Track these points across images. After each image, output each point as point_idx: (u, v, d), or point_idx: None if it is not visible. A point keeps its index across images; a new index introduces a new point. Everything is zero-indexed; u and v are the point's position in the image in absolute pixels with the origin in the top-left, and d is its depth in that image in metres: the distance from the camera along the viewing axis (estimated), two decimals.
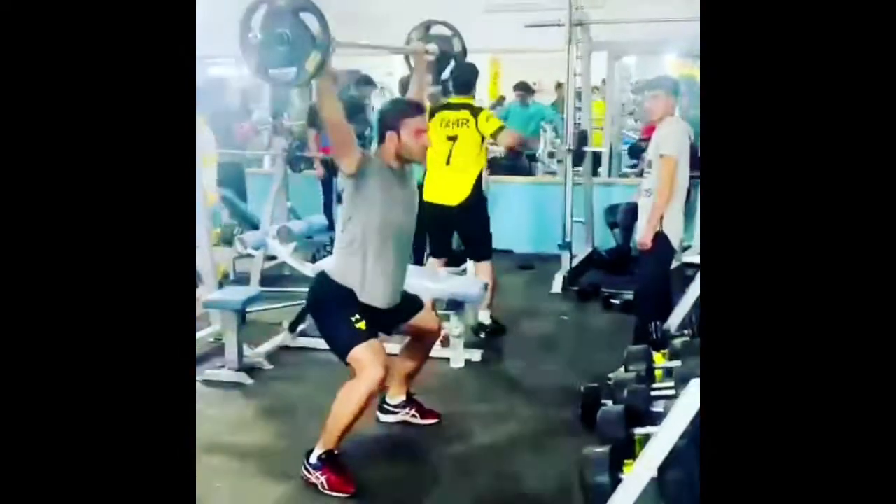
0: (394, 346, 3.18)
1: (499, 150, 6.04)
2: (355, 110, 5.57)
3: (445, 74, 3.51)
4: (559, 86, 7.81)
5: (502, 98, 8.62)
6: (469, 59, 6.30)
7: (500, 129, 4.20)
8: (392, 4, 6.55)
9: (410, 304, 3.01)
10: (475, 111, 4.18)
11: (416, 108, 2.81)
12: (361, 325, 2.67)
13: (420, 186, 4.33)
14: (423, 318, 3.04)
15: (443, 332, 3.94)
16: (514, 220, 6.17)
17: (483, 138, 4.14)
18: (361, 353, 2.63)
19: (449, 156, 4.13)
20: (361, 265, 2.73)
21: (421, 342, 3.10)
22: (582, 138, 5.59)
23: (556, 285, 5.41)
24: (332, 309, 2.76)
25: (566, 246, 5.54)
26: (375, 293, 2.76)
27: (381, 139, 2.78)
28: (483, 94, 7.98)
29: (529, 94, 7.62)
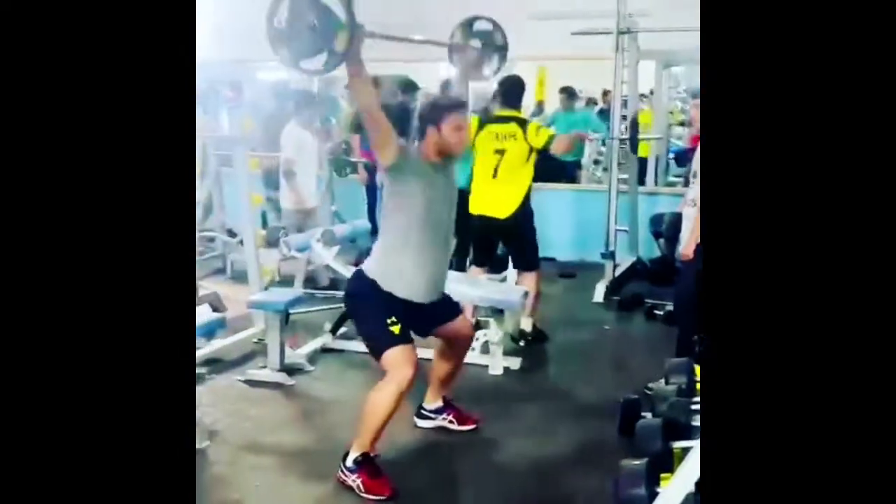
0: (427, 351, 3.20)
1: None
2: (401, 115, 5.62)
3: (488, 74, 3.50)
4: (606, 94, 7.77)
5: (541, 103, 8.58)
6: (515, 65, 6.31)
7: (552, 138, 4.18)
8: (437, 11, 6.60)
9: (448, 308, 3.02)
10: (523, 123, 4.18)
11: (456, 104, 2.83)
12: (396, 328, 2.69)
13: (463, 193, 4.36)
14: (458, 324, 3.05)
15: (482, 339, 3.98)
16: (556, 228, 6.16)
17: (531, 150, 4.13)
18: (393, 355, 2.67)
19: (496, 169, 4.15)
20: (401, 259, 2.74)
21: (454, 347, 3.10)
22: (634, 125, 5.54)
23: (599, 294, 5.38)
24: (369, 309, 2.78)
25: (609, 255, 5.51)
26: (414, 287, 2.76)
27: (422, 134, 2.79)
28: (529, 101, 7.98)
29: (574, 100, 7.58)
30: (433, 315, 2.93)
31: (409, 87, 5.46)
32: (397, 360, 2.66)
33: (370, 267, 2.82)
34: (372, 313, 2.75)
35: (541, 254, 4.45)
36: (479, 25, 3.39)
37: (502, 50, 3.43)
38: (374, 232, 4.75)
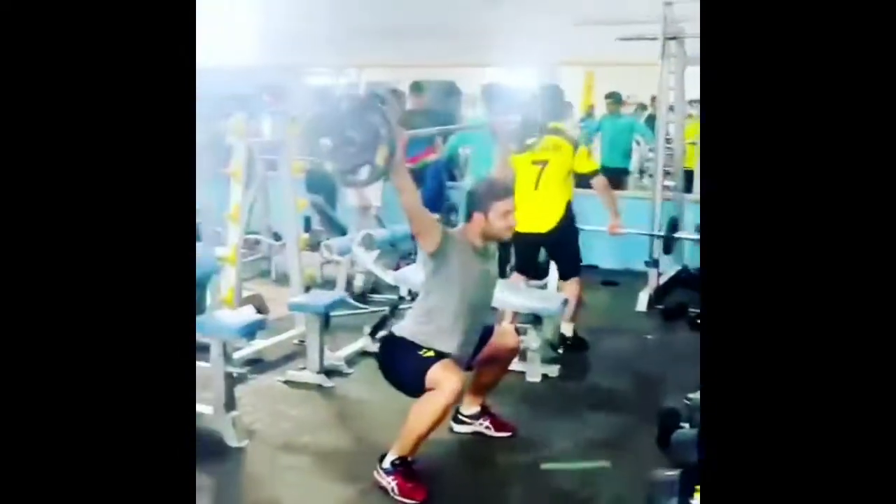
0: None
1: None
2: (446, 121, 5.67)
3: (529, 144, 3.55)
4: (653, 100, 7.71)
5: (591, 107, 8.52)
6: (560, 71, 6.30)
7: (596, 172, 4.23)
8: (487, 19, 6.64)
9: (481, 337, 3.04)
10: (572, 141, 4.19)
11: (505, 191, 2.88)
12: (430, 353, 2.74)
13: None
14: (499, 340, 3.09)
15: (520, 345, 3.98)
16: (600, 235, 6.12)
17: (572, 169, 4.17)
18: (436, 372, 2.67)
19: (537, 181, 4.15)
20: (435, 336, 2.79)
21: (498, 360, 3.15)
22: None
23: (642, 303, 5.33)
24: (401, 357, 2.83)
25: (653, 263, 5.45)
26: (448, 347, 2.81)
27: (468, 218, 2.86)
28: (575, 107, 7.94)
29: (620, 105, 7.52)
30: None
31: (452, 91, 5.52)
32: (442, 374, 2.67)
33: (404, 328, 2.88)
34: (404, 358, 2.81)
35: (584, 261, 4.45)
36: (518, 98, 3.47)
37: (541, 130, 3.52)
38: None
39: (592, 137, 7.27)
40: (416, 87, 6.03)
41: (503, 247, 4.27)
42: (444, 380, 2.65)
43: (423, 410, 2.68)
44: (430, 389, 2.67)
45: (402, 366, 2.81)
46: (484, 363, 3.15)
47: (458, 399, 2.73)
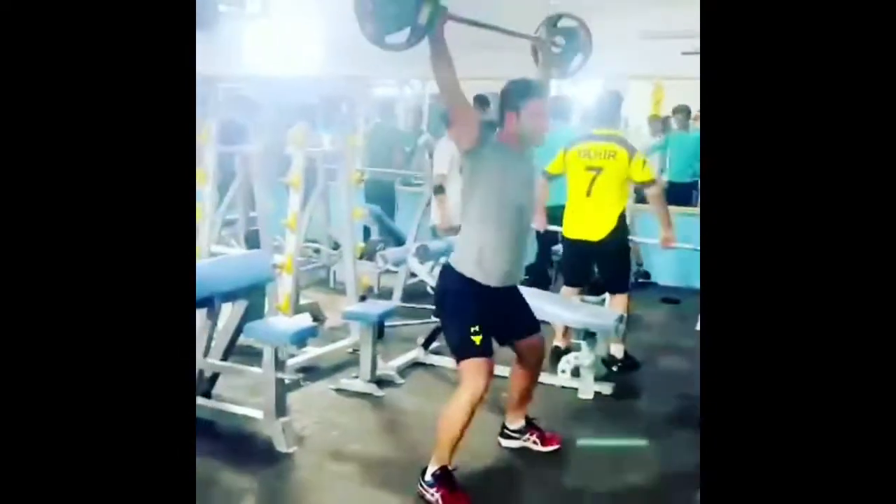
0: (504, 368, 3.20)
1: None
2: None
3: (571, 71, 3.50)
4: None
5: (666, 120, 8.34)
6: (625, 84, 6.23)
7: (652, 182, 4.13)
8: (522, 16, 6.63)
9: (530, 323, 3.04)
10: (629, 148, 4.10)
11: (536, 90, 2.82)
12: (478, 339, 2.72)
13: (556, 214, 4.35)
14: (533, 338, 3.06)
15: (573, 362, 3.95)
16: (660, 251, 6.03)
17: (627, 178, 4.10)
18: (470, 366, 2.71)
19: (590, 188, 4.09)
20: (480, 243, 2.76)
21: (525, 361, 3.11)
22: None
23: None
24: (455, 310, 2.81)
25: None
26: (493, 271, 2.78)
27: (501, 120, 2.81)
28: (642, 121, 7.84)
29: (689, 119, 7.38)
30: (514, 322, 2.97)
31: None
32: (474, 371, 2.70)
33: (454, 257, 2.86)
34: (458, 317, 2.79)
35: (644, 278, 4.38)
36: (565, 23, 3.41)
37: (586, 49, 3.43)
38: None
39: (657, 151, 7.16)
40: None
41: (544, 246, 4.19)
42: (471, 378, 2.69)
43: (451, 414, 2.71)
44: (458, 372, 2.74)
45: (452, 320, 2.82)
46: (515, 370, 3.15)
47: (483, 398, 2.72)
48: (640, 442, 2.99)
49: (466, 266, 2.79)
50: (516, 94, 2.77)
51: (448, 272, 2.86)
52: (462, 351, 2.74)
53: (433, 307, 3.07)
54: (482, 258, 2.77)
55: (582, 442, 3.00)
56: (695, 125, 7.54)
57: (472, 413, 2.70)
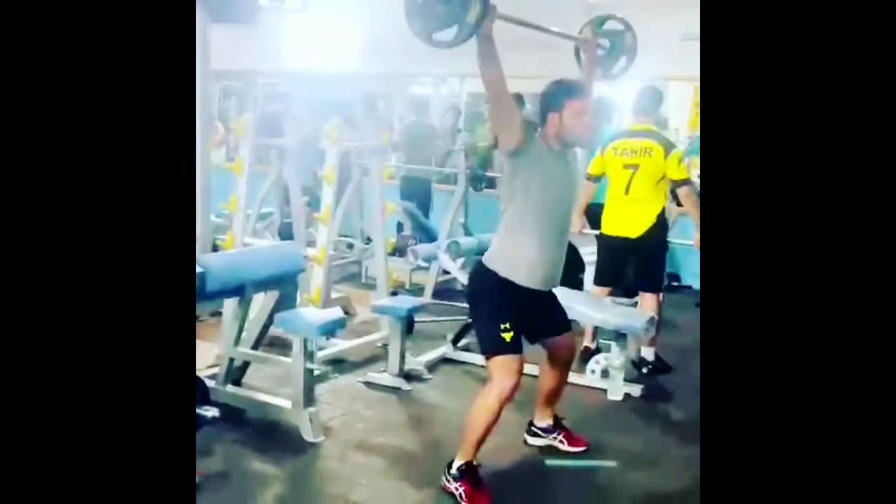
0: (533, 367, 3.21)
1: None
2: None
3: (615, 73, 3.47)
4: None
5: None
6: (668, 86, 6.16)
7: (686, 181, 4.07)
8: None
9: (561, 321, 3.05)
10: (665, 144, 4.07)
11: (578, 90, 2.80)
12: (508, 336, 2.73)
13: (595, 211, 4.34)
14: (564, 337, 3.06)
15: (602, 363, 3.94)
16: (693, 254, 5.98)
17: (663, 175, 4.07)
18: (499, 363, 2.71)
19: (628, 185, 4.09)
20: (519, 245, 2.75)
21: (555, 360, 3.11)
22: None
23: None
24: (486, 307, 2.81)
25: None
26: (532, 273, 2.77)
27: (543, 121, 2.78)
28: (682, 122, 7.77)
29: None
30: (545, 321, 2.97)
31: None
32: (503, 369, 2.71)
33: (489, 256, 2.85)
34: (488, 313, 2.79)
35: (680, 281, 4.33)
36: (611, 25, 3.40)
37: (631, 52, 3.41)
38: None
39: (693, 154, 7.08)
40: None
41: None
42: (500, 376, 2.70)
43: (478, 411, 2.73)
44: (487, 369, 2.75)
45: (483, 316, 2.82)
46: (544, 369, 3.16)
47: (510, 397, 2.72)
48: (610, 463, 3.03)
49: (502, 267, 2.78)
50: (559, 94, 2.76)
51: (482, 270, 2.85)
52: (491, 348, 2.76)
53: (464, 305, 3.08)
54: (521, 261, 2.76)
55: (550, 462, 3.04)
56: None
57: (500, 410, 2.72)
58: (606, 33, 3.38)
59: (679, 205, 4.33)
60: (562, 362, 3.10)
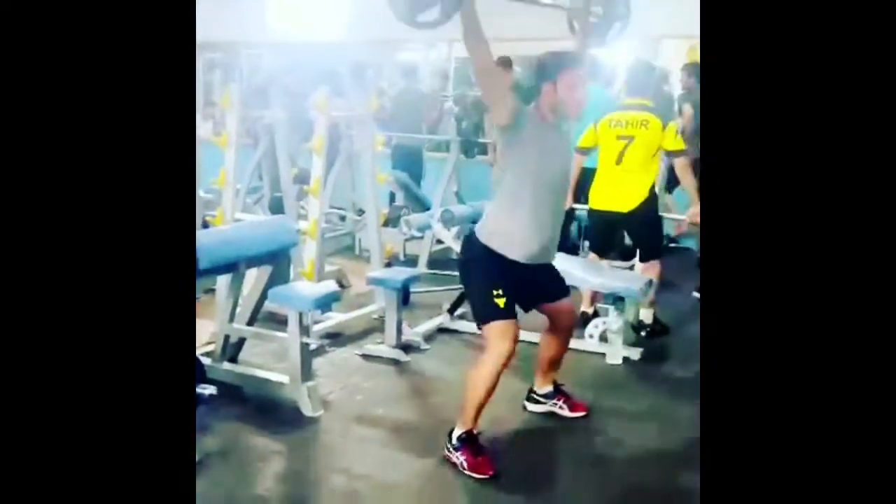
0: (534, 335, 3.21)
1: None
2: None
3: (609, 41, 3.44)
4: None
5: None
6: (658, 46, 6.10)
7: (682, 152, 4.08)
8: None
9: (558, 286, 3.04)
10: (662, 117, 4.07)
11: (573, 60, 2.78)
12: (501, 301, 2.72)
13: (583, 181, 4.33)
14: (562, 302, 3.05)
15: (601, 327, 3.95)
16: None
17: (659, 147, 4.06)
18: (494, 329, 2.72)
19: (620, 156, 4.05)
20: (513, 220, 2.74)
21: (556, 326, 3.11)
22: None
23: None
24: (478, 276, 2.82)
25: None
26: (525, 248, 2.77)
27: (538, 91, 2.75)
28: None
29: None
30: (541, 289, 2.96)
31: (505, 63, 5.44)
32: (498, 334, 2.71)
33: (482, 229, 2.84)
34: (480, 281, 2.80)
35: (679, 243, 4.33)
36: None
37: (624, 17, 3.37)
38: None
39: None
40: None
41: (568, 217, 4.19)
42: (496, 342, 2.70)
43: (476, 378, 2.73)
44: (483, 336, 2.75)
45: (475, 287, 2.83)
46: (545, 336, 3.16)
47: (507, 363, 2.73)
48: None
49: (496, 241, 2.77)
50: (553, 65, 2.73)
51: (474, 242, 2.84)
52: (485, 314, 2.76)
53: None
54: (515, 236, 2.75)
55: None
56: None
57: (498, 377, 2.73)
58: (599, 0, 3.34)
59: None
60: (562, 328, 3.10)
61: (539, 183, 2.72)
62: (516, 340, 2.74)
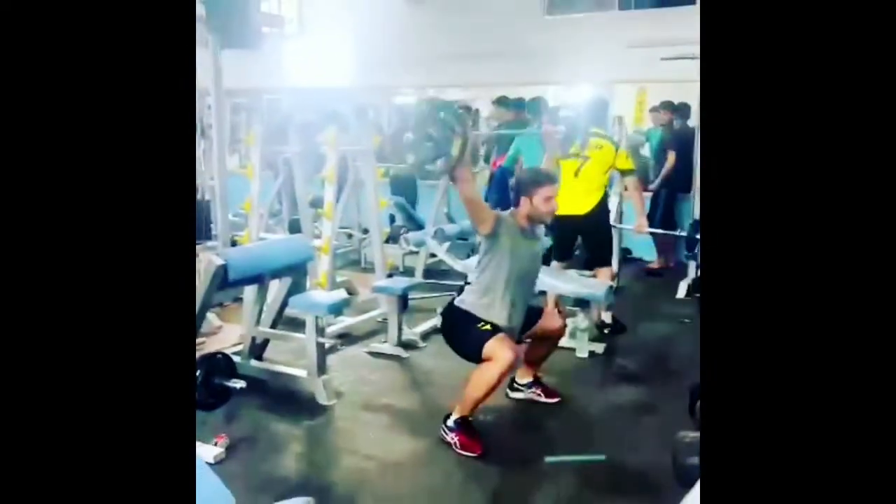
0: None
1: None
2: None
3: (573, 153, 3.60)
4: None
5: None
6: (614, 88, 6.21)
7: (631, 171, 4.24)
8: (549, 42, 6.63)
9: (529, 317, 3.02)
10: (615, 143, 4.20)
11: (547, 178, 2.86)
12: (487, 326, 2.74)
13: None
14: (546, 322, 3.07)
15: (570, 326, 3.96)
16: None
17: (612, 165, 4.15)
18: (492, 345, 2.68)
19: (577, 171, 4.09)
20: (491, 305, 2.80)
21: (546, 341, 3.15)
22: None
23: (681, 291, 5.21)
24: (462, 327, 2.82)
25: (693, 255, 5.32)
26: (500, 319, 2.81)
27: (516, 203, 2.86)
28: (629, 118, 7.74)
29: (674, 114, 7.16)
30: (524, 325, 2.99)
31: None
32: (497, 347, 2.67)
33: (462, 302, 2.87)
34: (464, 326, 2.81)
35: (633, 254, 4.37)
36: (564, 112, 3.47)
37: (582, 130, 3.58)
38: None
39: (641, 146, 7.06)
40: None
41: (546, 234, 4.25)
42: (499, 352, 2.66)
43: (481, 378, 2.70)
44: (486, 359, 2.69)
45: (463, 335, 2.82)
46: (535, 340, 3.16)
47: (512, 369, 2.74)
48: (600, 457, 2.70)
49: (477, 311, 2.81)
50: (530, 181, 2.84)
51: (455, 309, 2.87)
52: (479, 343, 2.70)
53: (450, 282, 3.09)
54: (490, 311, 2.81)
55: (549, 459, 2.67)
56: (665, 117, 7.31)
57: (500, 381, 2.69)
58: (563, 120, 3.46)
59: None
60: (550, 341, 3.16)
61: (511, 280, 2.80)
62: (516, 352, 2.71)
